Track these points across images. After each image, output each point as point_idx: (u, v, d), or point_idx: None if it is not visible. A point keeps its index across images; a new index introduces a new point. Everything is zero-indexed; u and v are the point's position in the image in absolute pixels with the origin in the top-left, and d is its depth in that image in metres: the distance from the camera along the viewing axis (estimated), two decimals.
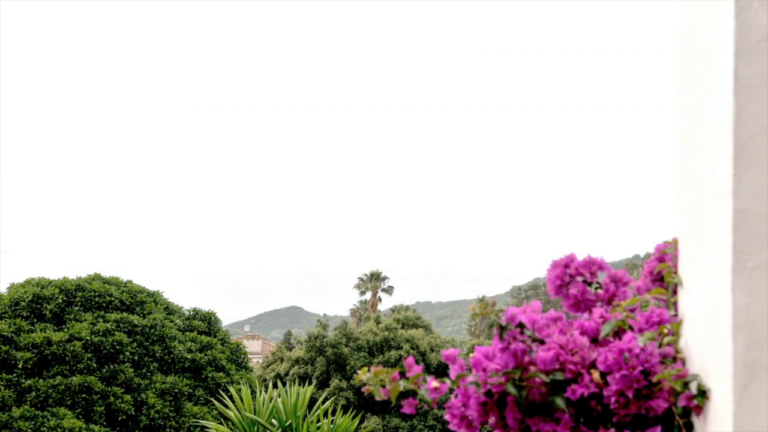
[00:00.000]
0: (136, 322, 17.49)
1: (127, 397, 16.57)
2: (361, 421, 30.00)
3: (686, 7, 1.80)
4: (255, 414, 9.90)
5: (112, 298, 17.90)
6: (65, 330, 16.92)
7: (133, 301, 18.24)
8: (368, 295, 71.03)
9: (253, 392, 16.66)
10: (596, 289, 1.95)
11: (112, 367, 16.85)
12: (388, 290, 71.08)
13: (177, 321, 18.73)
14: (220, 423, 12.93)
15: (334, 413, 27.43)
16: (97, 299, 17.75)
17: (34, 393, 16.00)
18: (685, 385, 1.63)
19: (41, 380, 16.21)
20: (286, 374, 34.28)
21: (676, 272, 1.83)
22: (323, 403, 10.91)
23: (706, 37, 1.66)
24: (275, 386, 28.48)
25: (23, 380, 16.22)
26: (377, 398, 1.78)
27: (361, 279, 71.06)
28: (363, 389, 1.79)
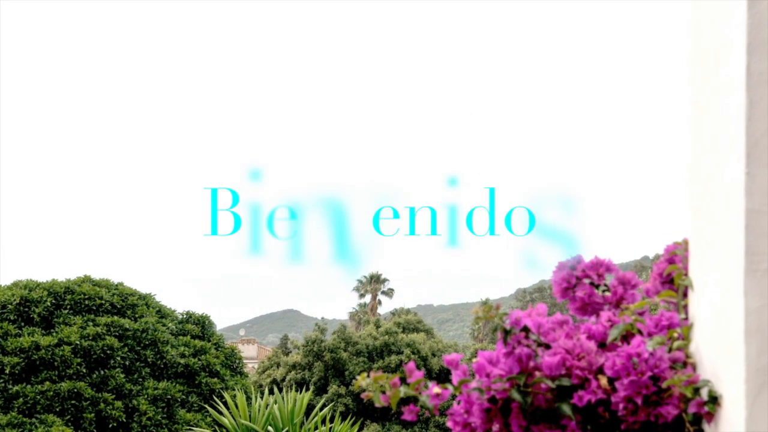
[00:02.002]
0: (128, 326, 17.49)
1: (118, 403, 16.57)
2: (361, 429, 30.02)
3: (696, 1, 1.80)
4: (250, 421, 9.91)
5: (103, 301, 17.91)
6: (54, 334, 16.93)
7: (124, 304, 18.25)
8: (368, 298, 71.09)
9: (248, 398, 16.65)
10: (604, 291, 1.95)
11: (102, 372, 16.85)
12: (388, 293, 71.14)
13: (170, 325, 18.73)
14: (215, 430, 12.94)
15: (332, 420, 27.41)
16: (86, 302, 17.76)
17: (21, 399, 16.01)
18: (696, 391, 1.63)
19: (29, 386, 16.21)
20: (283, 380, 34.30)
21: (686, 274, 1.83)
22: (321, 409, 10.92)
23: (717, 32, 1.66)
24: (271, 392, 28.45)
25: (10, 386, 16.22)
26: (377, 405, 1.79)
27: (360, 281, 71.11)
28: (362, 395, 1.79)
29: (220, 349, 19.18)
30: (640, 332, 1.78)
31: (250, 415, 10.02)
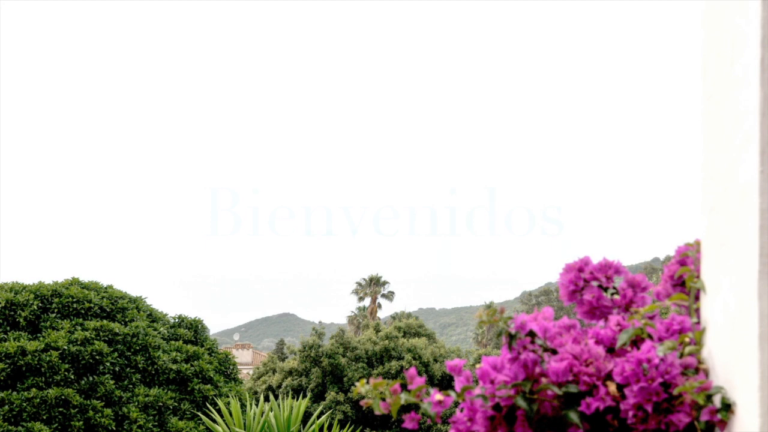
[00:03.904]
0: (117, 331, 17.49)
1: (108, 411, 16.57)
2: None
3: None
4: (245, 429, 9.91)
5: (91, 305, 17.90)
6: (41, 339, 16.92)
7: (113, 307, 18.25)
8: (367, 301, 71.09)
9: (242, 406, 16.68)
10: (612, 294, 1.95)
11: (91, 378, 16.85)
12: (389, 296, 71.14)
13: (161, 329, 18.73)
14: None
15: (330, 428, 27.41)
16: (75, 306, 17.75)
17: (7, 407, 16.00)
18: (709, 398, 1.63)
19: (15, 393, 16.21)
20: (279, 386, 34.31)
21: (698, 276, 1.83)
22: (319, 417, 10.92)
23: (731, 24, 1.66)
24: (267, 399, 28.51)
25: None
26: (377, 412, 1.78)
27: (359, 284, 71.12)
28: (361, 402, 1.79)
29: (213, 354, 19.17)
30: (650, 337, 1.78)
31: (244, 423, 10.02)
